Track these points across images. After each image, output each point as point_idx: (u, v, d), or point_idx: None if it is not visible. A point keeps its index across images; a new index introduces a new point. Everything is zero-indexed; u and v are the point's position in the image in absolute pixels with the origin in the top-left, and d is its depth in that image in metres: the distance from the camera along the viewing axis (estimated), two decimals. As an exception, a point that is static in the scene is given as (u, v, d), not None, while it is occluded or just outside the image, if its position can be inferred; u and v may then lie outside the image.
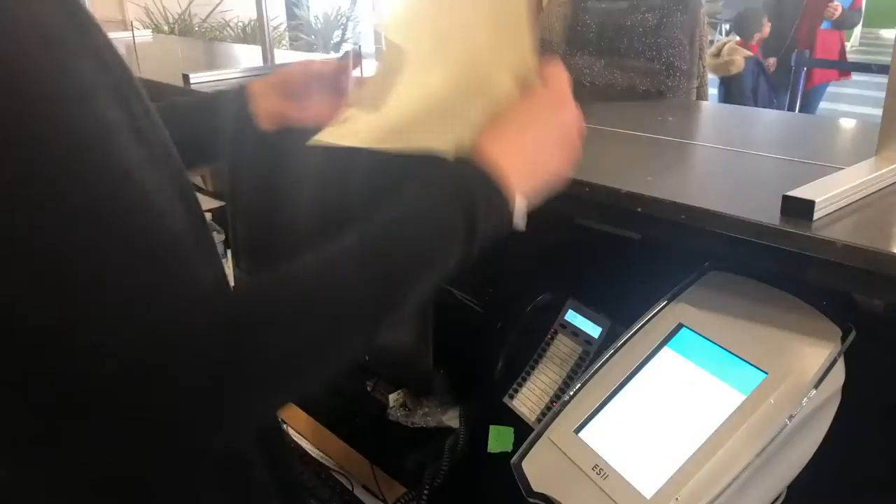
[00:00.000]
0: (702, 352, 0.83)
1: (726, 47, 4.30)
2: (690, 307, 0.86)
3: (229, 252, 1.48)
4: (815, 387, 0.73)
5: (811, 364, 0.74)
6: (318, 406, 1.18)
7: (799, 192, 0.69)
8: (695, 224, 0.74)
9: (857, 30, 8.87)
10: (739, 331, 0.81)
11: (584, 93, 1.41)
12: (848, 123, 1.15)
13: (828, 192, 0.70)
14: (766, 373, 0.76)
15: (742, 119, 1.33)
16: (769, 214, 0.70)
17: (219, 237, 1.47)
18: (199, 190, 1.97)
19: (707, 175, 0.90)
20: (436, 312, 1.06)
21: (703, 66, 1.52)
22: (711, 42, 6.60)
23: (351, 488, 1.05)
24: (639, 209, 0.77)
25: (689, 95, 1.49)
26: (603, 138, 1.03)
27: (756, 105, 4.44)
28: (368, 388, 1.20)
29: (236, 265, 1.45)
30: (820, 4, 4.77)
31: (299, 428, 1.20)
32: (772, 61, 4.69)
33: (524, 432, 1.05)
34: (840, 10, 4.73)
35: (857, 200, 0.73)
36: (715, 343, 0.82)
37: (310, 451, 1.14)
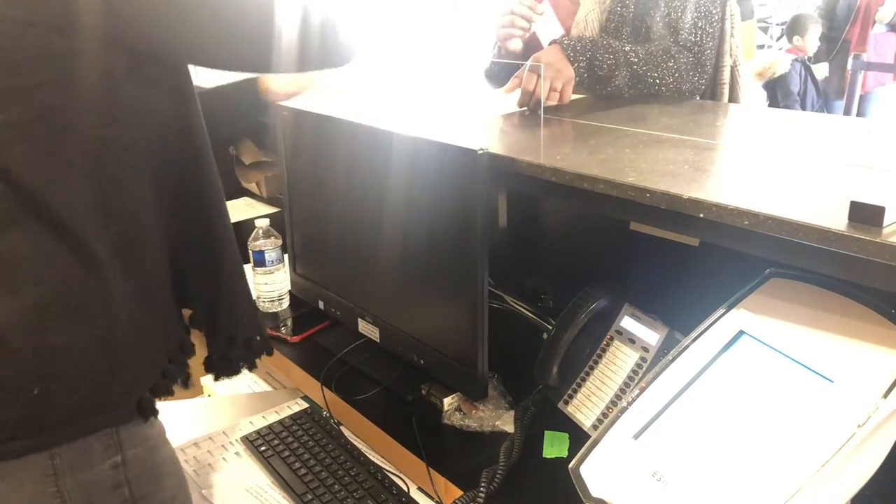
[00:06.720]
0: (763, 359, 0.82)
1: (765, 59, 4.51)
2: (752, 314, 0.85)
3: (286, 257, 1.51)
4: (885, 396, 0.72)
5: (880, 373, 0.73)
6: (374, 409, 1.20)
7: (868, 198, 0.68)
8: (758, 230, 0.74)
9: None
10: (803, 338, 0.80)
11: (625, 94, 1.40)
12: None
13: (898, 199, 0.69)
14: (832, 381, 0.75)
15: (798, 123, 1.31)
16: (835, 220, 0.70)
17: (276, 242, 1.51)
18: (254, 197, 2.02)
19: (766, 180, 0.89)
20: (491, 317, 1.07)
21: (735, 64, 1.50)
22: (761, 47, 6.46)
23: (407, 489, 1.07)
24: (701, 214, 0.77)
25: (718, 89, 1.47)
26: (654, 143, 1.03)
27: (804, 109, 4.42)
28: (423, 392, 1.21)
29: (293, 269, 1.48)
30: (873, 6, 4.65)
31: (356, 430, 1.21)
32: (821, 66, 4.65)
33: (578, 438, 1.05)
34: (893, 13, 4.60)
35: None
36: (778, 350, 0.81)
37: (366, 453, 1.15)
